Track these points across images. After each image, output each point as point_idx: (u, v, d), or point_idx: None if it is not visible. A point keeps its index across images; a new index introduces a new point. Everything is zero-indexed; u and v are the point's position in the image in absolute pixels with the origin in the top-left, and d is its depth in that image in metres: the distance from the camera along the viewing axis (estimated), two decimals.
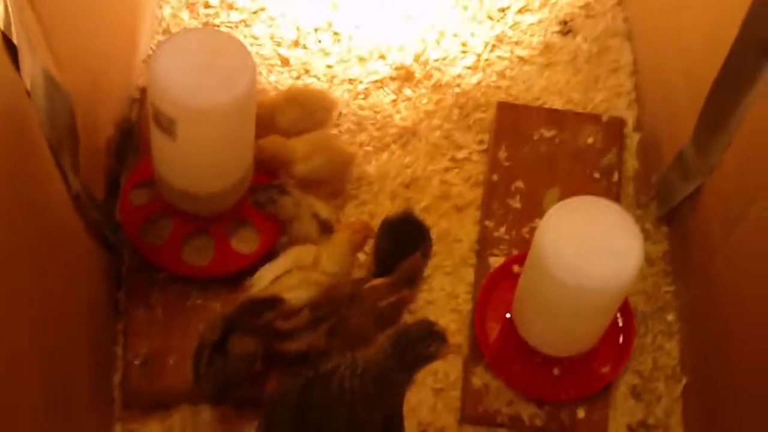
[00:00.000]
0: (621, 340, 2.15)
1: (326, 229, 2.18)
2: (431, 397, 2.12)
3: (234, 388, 2.01)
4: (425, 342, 1.77)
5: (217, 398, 2.03)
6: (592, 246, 1.94)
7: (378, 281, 2.11)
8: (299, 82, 2.43)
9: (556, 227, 1.96)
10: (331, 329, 2.02)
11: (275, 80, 2.44)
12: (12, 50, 1.59)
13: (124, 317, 2.13)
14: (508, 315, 2.15)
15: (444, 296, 2.21)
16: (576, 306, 1.98)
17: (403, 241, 2.17)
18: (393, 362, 1.76)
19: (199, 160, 2.08)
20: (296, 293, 2.02)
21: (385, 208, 2.29)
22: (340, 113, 2.40)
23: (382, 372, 1.77)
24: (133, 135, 2.30)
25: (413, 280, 2.17)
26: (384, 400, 1.79)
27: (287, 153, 2.23)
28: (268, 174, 2.22)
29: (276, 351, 2.01)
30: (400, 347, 1.76)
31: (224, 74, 1.97)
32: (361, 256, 2.21)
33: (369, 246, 2.19)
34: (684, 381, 2.15)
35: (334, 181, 2.28)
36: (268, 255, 2.16)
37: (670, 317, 2.22)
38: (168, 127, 1.99)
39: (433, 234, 2.27)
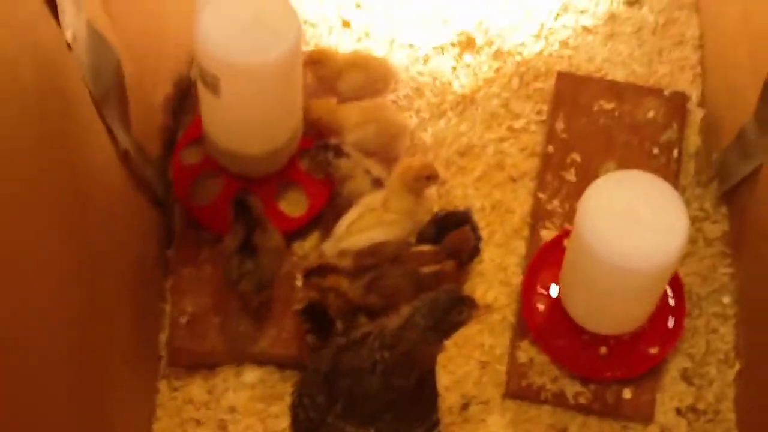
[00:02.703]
0: (671, 321, 2.09)
1: (379, 185, 2.16)
2: (477, 370, 2.10)
3: (269, 284, 2.04)
4: (457, 309, 1.76)
5: (256, 296, 2.05)
6: (634, 223, 1.88)
7: (425, 247, 2.09)
8: (359, 45, 2.41)
9: (597, 203, 1.91)
10: (369, 284, 2.02)
11: (336, 42, 2.42)
12: (52, 2, 1.59)
13: (173, 275, 2.14)
14: (555, 290, 2.12)
15: (494, 268, 2.18)
16: (617, 285, 1.93)
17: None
18: (425, 335, 1.75)
19: (243, 120, 2.07)
20: (370, 234, 2.06)
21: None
22: (399, 79, 2.37)
23: (414, 345, 1.76)
24: (191, 94, 2.29)
25: (460, 253, 2.14)
26: (416, 367, 1.79)
27: (338, 118, 2.21)
28: (318, 138, 2.20)
29: (315, 283, 2.03)
30: (433, 319, 1.75)
31: (269, 34, 1.96)
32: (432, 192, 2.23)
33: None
34: (737, 366, 2.09)
35: (385, 151, 2.25)
36: (316, 219, 2.15)
37: (726, 300, 2.16)
38: (212, 84, 1.99)
39: (486, 204, 2.24)
